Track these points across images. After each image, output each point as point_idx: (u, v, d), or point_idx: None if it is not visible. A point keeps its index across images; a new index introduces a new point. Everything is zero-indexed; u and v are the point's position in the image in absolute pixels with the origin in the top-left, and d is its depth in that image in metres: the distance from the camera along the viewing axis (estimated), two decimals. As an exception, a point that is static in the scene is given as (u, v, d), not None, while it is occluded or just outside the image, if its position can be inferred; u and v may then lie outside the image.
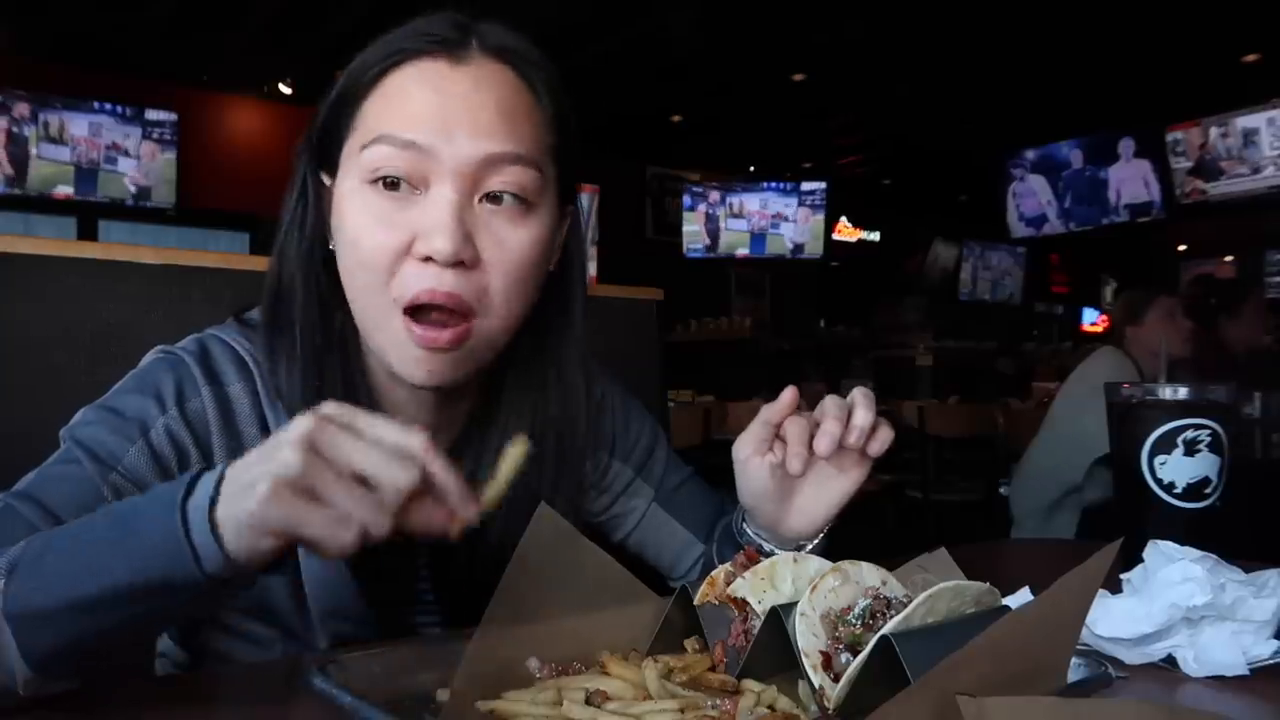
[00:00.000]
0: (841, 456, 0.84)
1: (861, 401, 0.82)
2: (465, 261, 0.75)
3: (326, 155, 0.82)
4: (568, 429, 0.89)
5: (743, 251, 8.13)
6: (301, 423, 0.56)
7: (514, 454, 0.65)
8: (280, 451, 0.55)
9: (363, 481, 0.56)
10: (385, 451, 0.56)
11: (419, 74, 0.77)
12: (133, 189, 6.28)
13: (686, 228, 8.09)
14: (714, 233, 8.07)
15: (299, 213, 0.84)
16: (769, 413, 0.84)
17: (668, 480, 1.01)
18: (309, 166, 0.84)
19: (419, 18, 0.80)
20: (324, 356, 0.82)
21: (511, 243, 0.77)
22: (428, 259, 0.74)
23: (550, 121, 0.81)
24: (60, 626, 0.58)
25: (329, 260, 0.82)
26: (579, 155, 0.86)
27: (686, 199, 8.15)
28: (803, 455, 0.81)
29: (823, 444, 0.80)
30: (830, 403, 0.83)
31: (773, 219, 8.01)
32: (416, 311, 0.76)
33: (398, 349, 0.77)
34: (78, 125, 6.10)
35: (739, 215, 8.06)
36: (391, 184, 0.75)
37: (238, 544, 0.56)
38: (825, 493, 0.86)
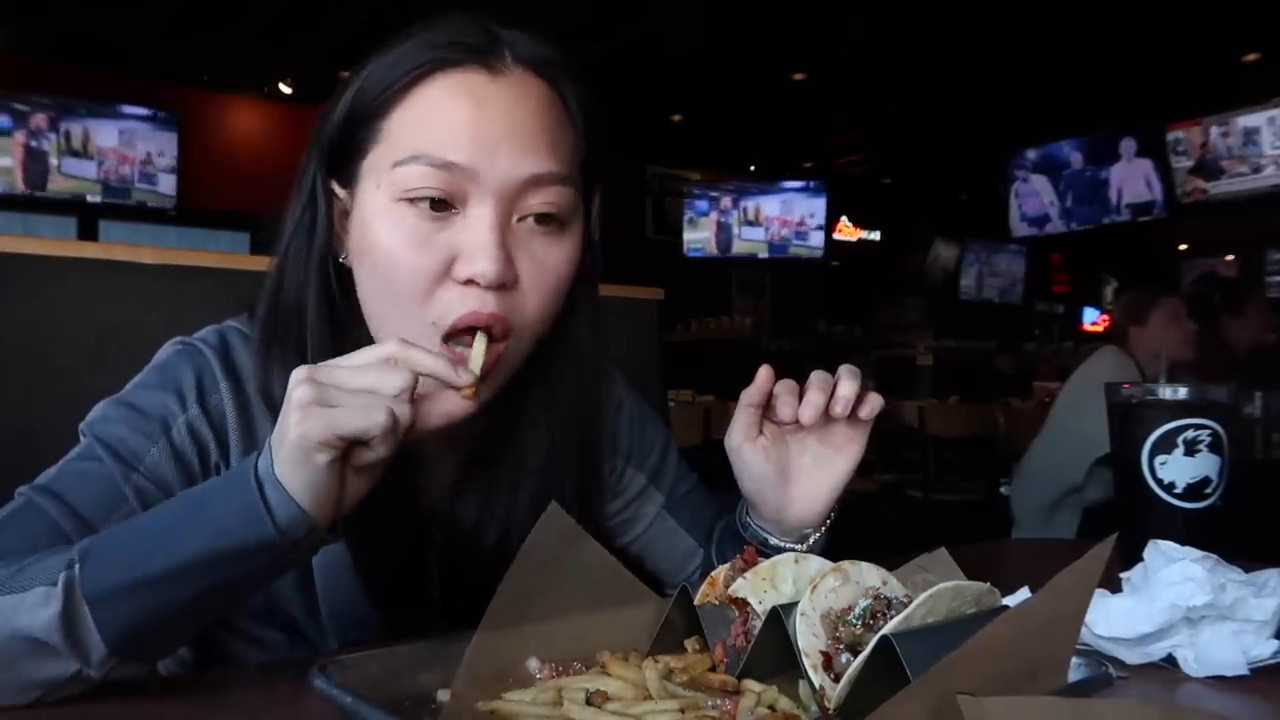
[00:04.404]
0: (835, 433, 0.85)
1: (845, 375, 0.82)
2: (506, 284, 0.73)
3: (339, 166, 0.79)
4: (588, 432, 0.88)
5: (763, 255, 7.97)
6: (298, 372, 0.63)
7: (479, 347, 0.71)
8: (291, 395, 0.61)
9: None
10: (373, 367, 0.63)
11: (455, 86, 0.73)
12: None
13: (695, 235, 7.97)
14: (725, 242, 7.89)
15: (307, 220, 0.80)
16: (749, 396, 0.84)
17: (678, 488, 1.01)
18: (320, 173, 0.79)
19: (438, 24, 0.76)
20: None
21: (550, 262, 0.76)
22: (469, 281, 0.72)
23: (580, 133, 0.80)
24: (136, 602, 0.61)
25: (340, 274, 0.79)
26: (601, 162, 0.85)
27: (701, 204, 7.96)
28: (793, 404, 0.81)
29: (807, 412, 0.80)
30: (815, 376, 0.83)
31: (797, 227, 7.84)
32: (450, 336, 0.73)
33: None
34: (78, 129, 6.10)
35: (755, 223, 7.91)
36: (429, 203, 0.72)
37: (299, 480, 0.61)
38: (825, 474, 0.86)
